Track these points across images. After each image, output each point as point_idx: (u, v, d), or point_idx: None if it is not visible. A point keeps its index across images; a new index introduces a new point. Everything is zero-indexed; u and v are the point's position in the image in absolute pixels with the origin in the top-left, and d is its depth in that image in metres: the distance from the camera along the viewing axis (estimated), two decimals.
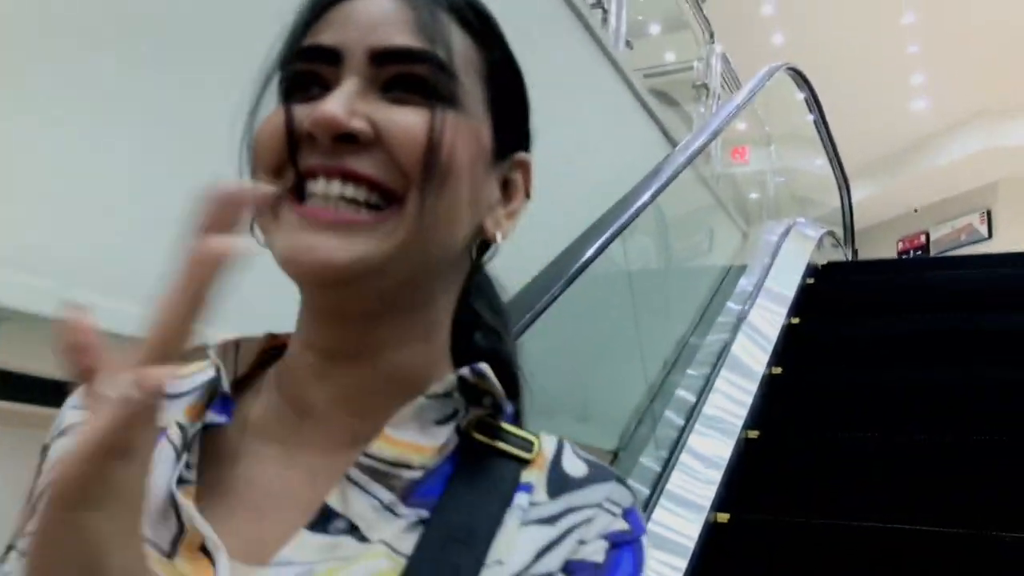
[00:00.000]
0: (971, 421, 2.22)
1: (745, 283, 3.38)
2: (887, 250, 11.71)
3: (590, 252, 1.77)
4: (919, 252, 11.30)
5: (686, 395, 2.47)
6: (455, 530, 0.39)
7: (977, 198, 10.41)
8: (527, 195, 0.46)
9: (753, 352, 2.72)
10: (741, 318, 2.91)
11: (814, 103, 5.41)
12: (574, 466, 0.43)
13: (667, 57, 5.83)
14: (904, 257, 11.17)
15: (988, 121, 9.43)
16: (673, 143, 3.10)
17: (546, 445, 0.44)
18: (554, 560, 0.39)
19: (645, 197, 2.15)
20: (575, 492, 0.42)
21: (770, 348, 2.74)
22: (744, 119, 6.00)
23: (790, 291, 3.22)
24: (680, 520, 1.92)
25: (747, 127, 6.81)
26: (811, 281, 3.49)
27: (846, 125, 10.10)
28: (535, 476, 0.42)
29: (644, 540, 0.42)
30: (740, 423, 2.32)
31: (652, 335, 2.63)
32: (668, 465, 2.12)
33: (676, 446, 2.22)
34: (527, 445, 0.43)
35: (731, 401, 2.43)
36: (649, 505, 1.95)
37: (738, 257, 3.74)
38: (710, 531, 1.91)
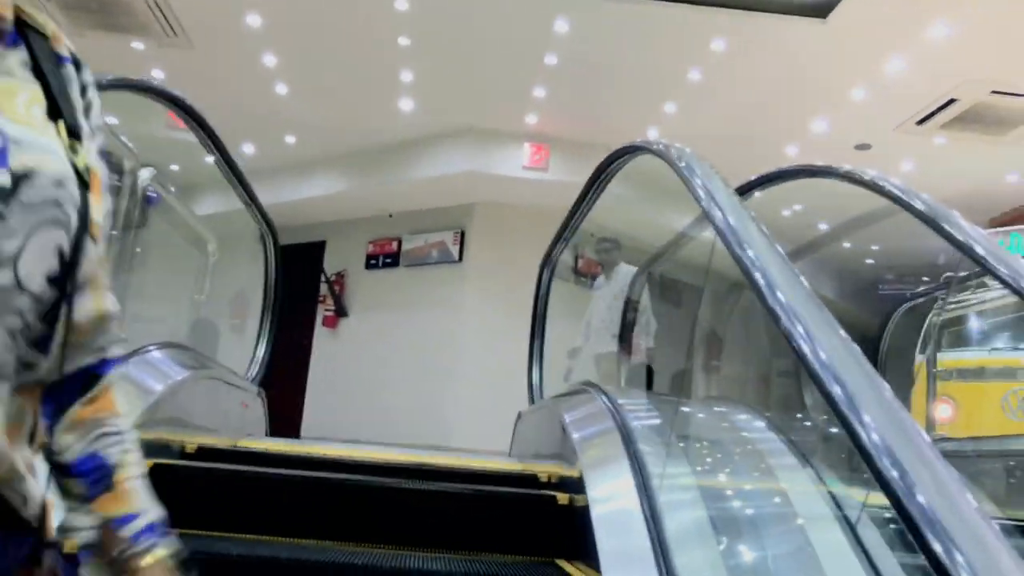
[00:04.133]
0: None
1: None
2: (358, 249, 10.36)
3: None
4: (389, 260, 10.13)
5: None
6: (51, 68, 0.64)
7: (453, 217, 9.48)
8: None
9: None
10: None
11: (205, 137, 3.27)
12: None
13: None
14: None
15: (474, 141, 8.40)
16: None
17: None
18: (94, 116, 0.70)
19: None
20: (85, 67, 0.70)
21: None
22: None
23: None
24: None
25: None
26: None
27: (333, 105, 8.27)
28: (65, 50, 0.69)
29: None
30: None
31: None
32: None
33: None
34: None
35: None
36: None
37: None
38: None
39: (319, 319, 10.45)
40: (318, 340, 10.41)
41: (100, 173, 0.66)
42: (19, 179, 0.57)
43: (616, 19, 6.11)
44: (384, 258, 10.16)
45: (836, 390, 0.90)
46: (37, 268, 0.58)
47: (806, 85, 6.84)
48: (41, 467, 0.66)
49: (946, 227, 2.44)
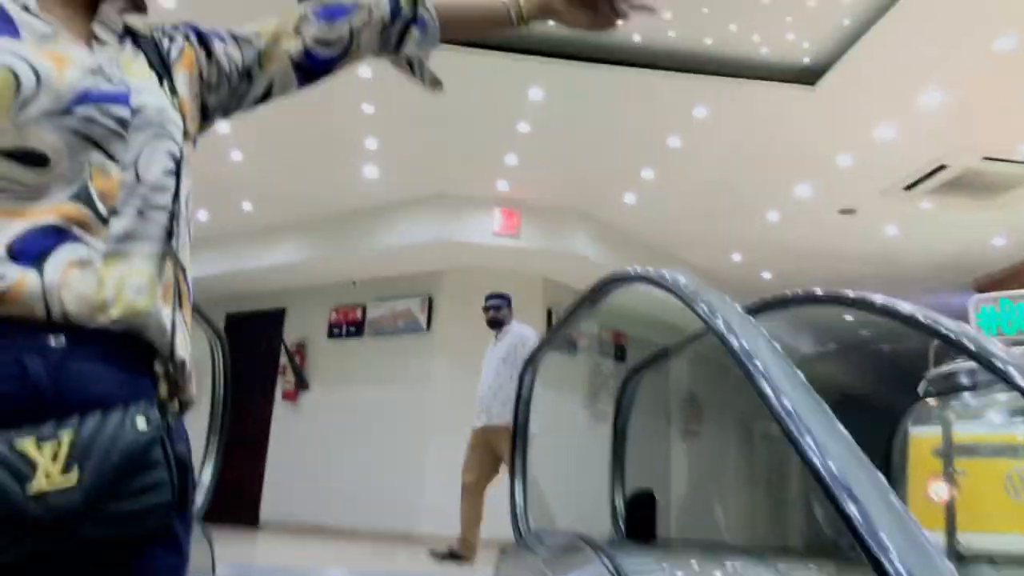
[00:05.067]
0: None
1: None
2: (320, 317, 9.82)
3: None
4: (352, 329, 9.60)
5: None
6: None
7: (420, 284, 9.01)
8: None
9: None
10: None
11: None
12: None
13: None
14: None
15: (442, 208, 7.98)
16: None
17: None
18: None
19: None
20: None
21: None
22: None
23: None
24: None
25: None
26: None
27: (292, 172, 7.77)
28: (150, 33, 1.04)
29: None
30: None
31: None
32: None
33: None
34: None
35: None
36: None
37: None
38: None
39: (279, 392, 9.85)
40: (278, 415, 9.79)
41: (186, 95, 1.01)
42: (135, 112, 0.89)
43: (593, 86, 5.77)
44: (348, 327, 9.63)
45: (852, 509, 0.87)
46: (153, 167, 0.90)
47: (791, 151, 6.54)
48: (182, 327, 0.91)
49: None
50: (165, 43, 1.04)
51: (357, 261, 8.87)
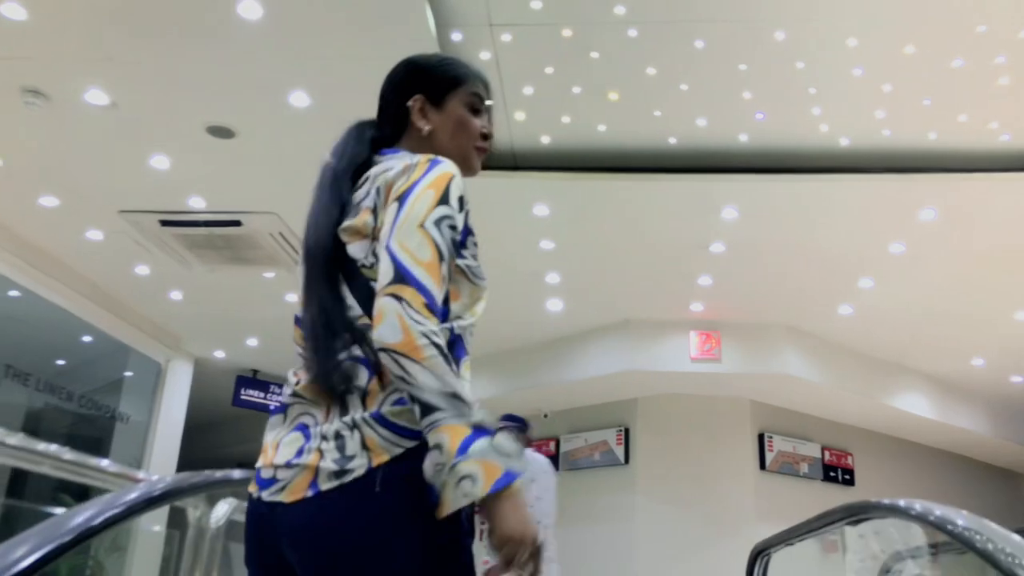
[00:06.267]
0: None
1: None
2: None
3: None
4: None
5: None
6: None
7: (615, 413, 8.42)
8: None
9: None
10: None
11: None
12: None
13: None
14: None
15: (633, 335, 7.44)
16: None
17: None
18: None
19: None
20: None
21: None
22: None
23: None
24: None
25: None
26: None
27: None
28: None
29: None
30: None
31: None
32: None
33: None
34: None
35: None
36: None
37: None
38: None
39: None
40: None
41: None
42: None
43: (793, 197, 5.12)
44: None
45: None
46: None
47: None
48: None
49: None
50: None
51: (547, 393, 8.44)
